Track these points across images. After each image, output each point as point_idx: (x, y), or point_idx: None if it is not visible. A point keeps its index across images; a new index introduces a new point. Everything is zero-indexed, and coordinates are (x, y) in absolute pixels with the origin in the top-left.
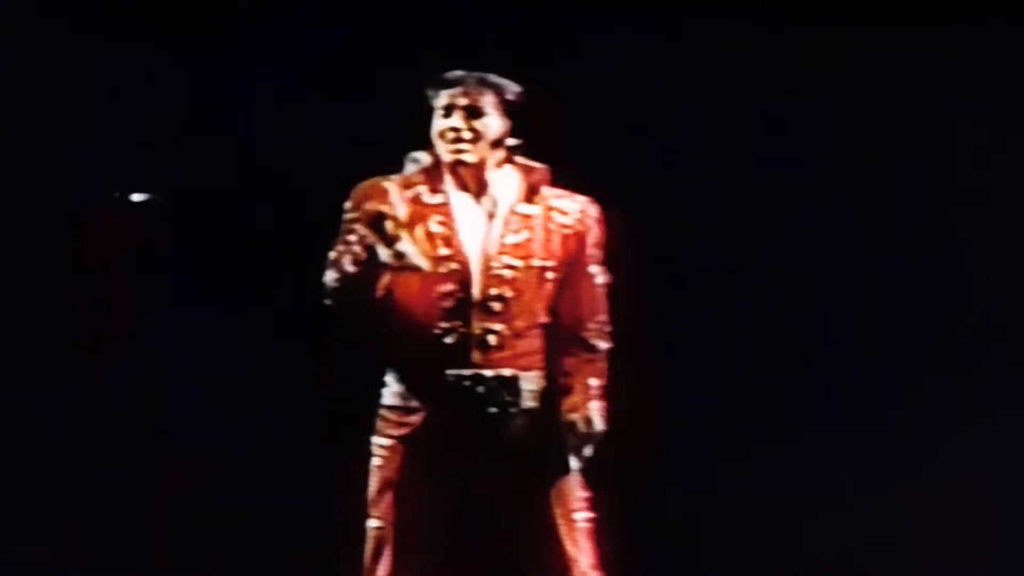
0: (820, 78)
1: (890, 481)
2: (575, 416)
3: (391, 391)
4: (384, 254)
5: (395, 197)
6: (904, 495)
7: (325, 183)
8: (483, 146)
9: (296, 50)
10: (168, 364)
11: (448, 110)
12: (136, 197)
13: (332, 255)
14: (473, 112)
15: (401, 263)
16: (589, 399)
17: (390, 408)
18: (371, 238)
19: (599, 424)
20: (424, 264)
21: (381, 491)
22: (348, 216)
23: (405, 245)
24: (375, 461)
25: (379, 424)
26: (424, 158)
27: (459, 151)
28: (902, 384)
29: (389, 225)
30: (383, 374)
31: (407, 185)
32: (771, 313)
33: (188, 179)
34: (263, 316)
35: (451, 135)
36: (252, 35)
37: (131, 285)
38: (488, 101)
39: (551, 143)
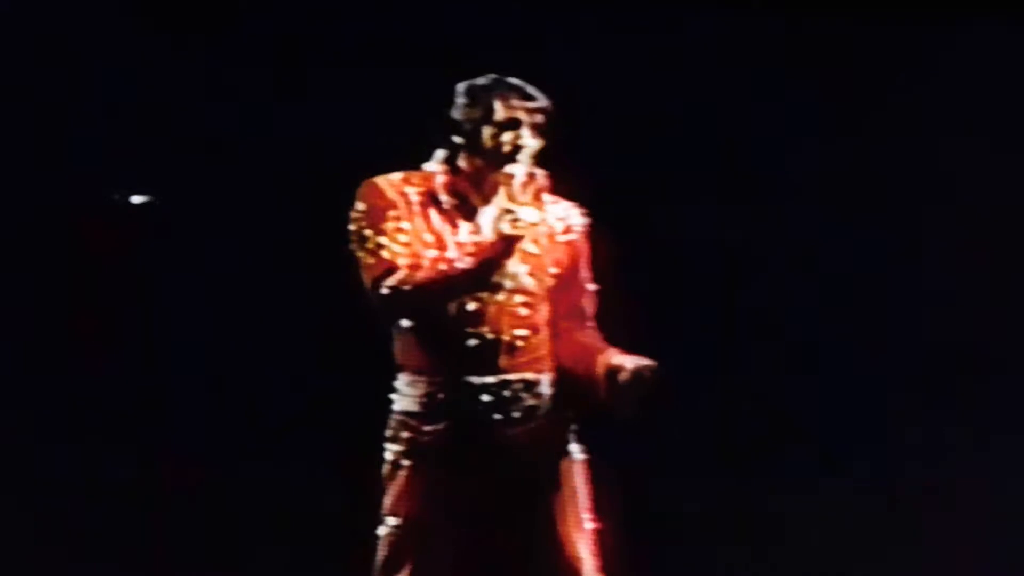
0: (820, 78)
1: (890, 482)
2: (629, 363)
3: (410, 397)
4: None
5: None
6: (904, 497)
7: (325, 183)
8: (532, 161)
9: (297, 50)
10: (168, 364)
11: (514, 123)
12: (136, 197)
13: (391, 252)
14: (539, 129)
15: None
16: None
17: (409, 414)
18: (504, 261)
19: (652, 361)
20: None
21: (399, 496)
22: (390, 214)
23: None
24: (391, 467)
25: (395, 430)
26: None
27: (518, 163)
28: (902, 384)
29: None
30: (393, 378)
31: (427, 184)
32: (771, 314)
33: (189, 179)
34: (263, 316)
35: (510, 148)
36: (252, 35)
37: (131, 285)
38: (545, 118)
39: (550, 144)
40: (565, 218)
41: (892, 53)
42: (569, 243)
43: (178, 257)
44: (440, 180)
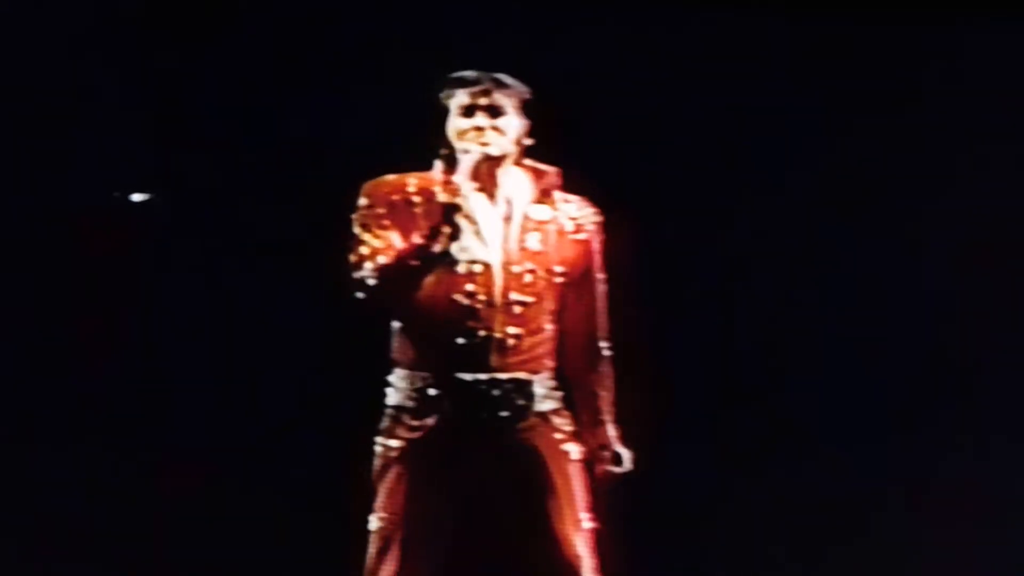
0: (821, 78)
1: (891, 483)
2: (606, 452)
3: (403, 392)
4: (454, 247)
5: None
6: (904, 498)
7: (325, 182)
8: (506, 142)
9: (297, 49)
10: (168, 364)
11: (469, 110)
12: (136, 197)
13: (371, 247)
14: (494, 111)
15: (467, 257)
16: (614, 433)
17: (401, 409)
18: (444, 230)
19: (627, 462)
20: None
21: (389, 491)
22: (377, 211)
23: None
24: (382, 462)
25: (388, 425)
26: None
27: (484, 144)
28: (904, 386)
29: (460, 219)
30: (388, 373)
31: (424, 184)
32: (773, 316)
33: (188, 179)
34: (263, 316)
35: (473, 133)
36: (252, 35)
37: (131, 285)
38: (507, 100)
39: (553, 144)
40: (577, 216)
41: (892, 53)
42: (580, 242)
43: (178, 257)
44: (438, 178)
